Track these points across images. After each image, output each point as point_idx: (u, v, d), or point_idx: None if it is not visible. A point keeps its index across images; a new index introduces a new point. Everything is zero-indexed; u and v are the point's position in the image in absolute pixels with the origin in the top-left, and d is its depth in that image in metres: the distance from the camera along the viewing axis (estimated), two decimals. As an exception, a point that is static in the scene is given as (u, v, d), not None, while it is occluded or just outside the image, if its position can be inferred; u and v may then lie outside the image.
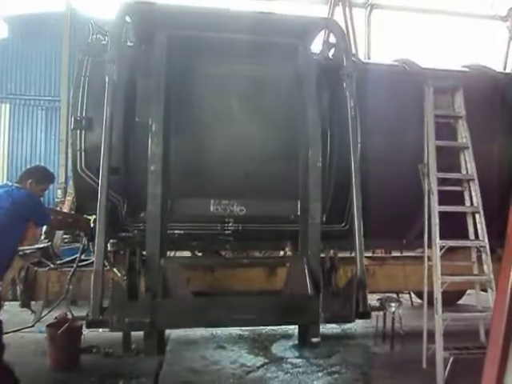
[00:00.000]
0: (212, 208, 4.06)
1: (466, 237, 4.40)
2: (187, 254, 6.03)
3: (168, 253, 4.77)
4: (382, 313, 5.01)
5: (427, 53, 12.67)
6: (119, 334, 4.56)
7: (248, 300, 3.88)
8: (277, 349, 4.80)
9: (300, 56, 4.30)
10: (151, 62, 4.04)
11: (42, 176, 3.81)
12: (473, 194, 4.38)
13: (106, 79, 3.71)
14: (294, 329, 5.26)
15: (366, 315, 3.68)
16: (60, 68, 15.19)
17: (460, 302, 6.60)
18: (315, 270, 3.90)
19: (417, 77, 4.70)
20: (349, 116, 3.93)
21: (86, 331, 4.59)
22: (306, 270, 3.87)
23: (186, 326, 3.78)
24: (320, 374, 4.10)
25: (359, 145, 3.95)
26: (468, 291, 6.25)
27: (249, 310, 3.73)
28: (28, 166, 4.17)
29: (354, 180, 3.81)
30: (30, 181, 3.61)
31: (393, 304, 4.93)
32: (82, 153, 4.08)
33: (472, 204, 4.39)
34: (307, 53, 4.35)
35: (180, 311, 3.63)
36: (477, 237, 4.34)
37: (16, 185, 3.64)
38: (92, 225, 3.96)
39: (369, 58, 13.29)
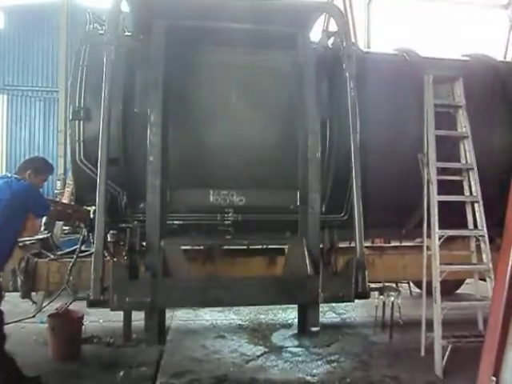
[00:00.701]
0: (211, 198, 4.06)
1: (465, 226, 4.41)
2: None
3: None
4: (380, 302, 5.05)
5: (427, 42, 12.59)
6: (120, 325, 4.60)
7: (247, 280, 3.90)
8: (276, 338, 4.84)
9: (299, 45, 4.27)
10: (149, 51, 4.01)
11: (40, 166, 3.80)
12: (472, 183, 4.38)
13: (104, 69, 3.69)
14: (293, 318, 5.30)
15: (365, 295, 3.71)
16: (58, 59, 15.08)
17: (458, 291, 6.64)
18: (314, 251, 3.92)
19: (416, 66, 4.67)
20: (348, 97, 3.91)
21: (86, 322, 4.62)
22: (306, 251, 3.89)
23: (186, 305, 3.84)
24: (319, 363, 4.14)
25: (358, 134, 3.92)
26: (467, 280, 6.28)
27: (248, 290, 3.76)
28: (27, 157, 4.16)
29: (353, 160, 3.80)
30: (28, 172, 3.61)
31: (392, 293, 4.96)
32: (81, 143, 4.07)
33: (471, 193, 4.39)
34: (306, 42, 4.32)
35: (180, 290, 3.66)
36: (476, 226, 4.35)
37: (15, 176, 3.63)
38: (92, 216, 3.96)
39: (368, 48, 13.19)
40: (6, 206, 3.35)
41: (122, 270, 3.55)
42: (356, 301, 6.55)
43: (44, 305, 4.64)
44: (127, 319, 4.51)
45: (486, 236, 4.27)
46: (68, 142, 4.31)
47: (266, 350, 4.48)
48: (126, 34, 4.48)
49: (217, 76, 4.27)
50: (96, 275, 3.43)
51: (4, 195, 3.39)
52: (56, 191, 13.00)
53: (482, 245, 4.29)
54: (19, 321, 4.40)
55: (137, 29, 4.36)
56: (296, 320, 5.01)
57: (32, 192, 3.53)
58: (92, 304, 3.48)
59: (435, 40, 13.93)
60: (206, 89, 4.23)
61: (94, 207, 3.76)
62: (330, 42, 4.76)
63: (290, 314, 5.67)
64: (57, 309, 4.58)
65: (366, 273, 3.72)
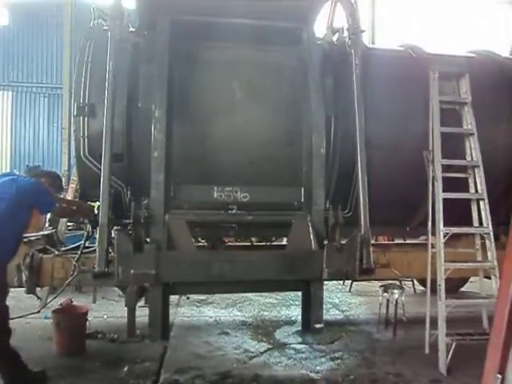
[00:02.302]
0: (215, 195, 4.06)
1: (470, 224, 4.39)
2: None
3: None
4: (384, 300, 5.03)
5: (433, 38, 12.51)
6: (124, 320, 4.62)
7: (252, 255, 3.90)
8: (280, 335, 4.83)
9: (304, 41, 4.26)
10: (154, 47, 4.01)
11: (55, 181, 3.88)
12: (477, 180, 4.36)
13: (107, 65, 3.69)
14: (297, 315, 5.29)
15: (369, 272, 3.71)
16: (62, 55, 15.09)
17: (463, 289, 6.62)
18: (319, 227, 3.92)
19: (422, 62, 4.64)
20: (355, 93, 3.88)
21: (91, 317, 4.64)
22: (310, 227, 3.88)
23: (190, 279, 3.86)
24: (323, 360, 4.13)
25: (364, 130, 3.91)
26: (471, 278, 6.26)
27: (252, 265, 3.76)
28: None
29: (359, 156, 3.79)
30: (45, 179, 3.72)
31: (395, 291, 4.95)
32: (85, 140, 4.08)
33: (476, 191, 4.37)
34: (311, 38, 4.31)
35: (185, 264, 3.68)
36: (481, 224, 4.33)
37: (23, 175, 3.70)
38: (96, 212, 3.97)
39: (373, 43, 13.13)
40: (10, 201, 3.36)
41: (127, 243, 3.56)
42: (360, 298, 6.64)
43: (48, 300, 4.66)
44: (131, 315, 4.54)
45: (491, 233, 4.24)
46: (72, 138, 4.32)
47: (270, 346, 4.47)
48: (131, 29, 4.48)
49: (221, 72, 4.26)
50: (101, 247, 3.47)
51: (9, 190, 3.40)
52: (60, 187, 13.05)
53: (487, 242, 4.27)
54: (24, 316, 4.42)
55: (141, 24, 4.36)
56: (299, 317, 5.01)
57: (37, 188, 3.55)
58: (97, 276, 3.51)
59: (441, 36, 13.84)
60: (210, 85, 4.23)
61: (98, 203, 3.77)
62: (335, 37, 4.75)
63: (294, 310, 5.67)
64: (61, 304, 4.60)
65: (371, 249, 3.72)
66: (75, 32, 13.84)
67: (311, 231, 3.87)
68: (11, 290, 3.82)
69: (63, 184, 3.97)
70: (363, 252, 3.66)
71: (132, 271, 3.49)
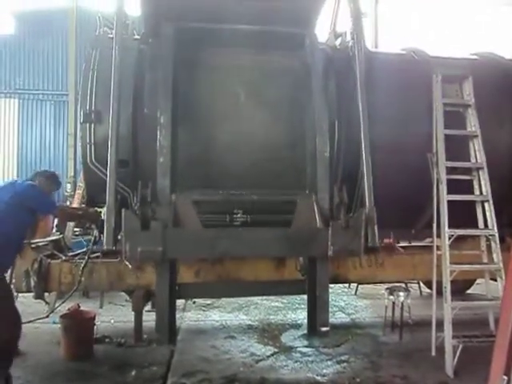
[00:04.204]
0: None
1: (475, 226, 4.39)
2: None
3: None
4: (390, 303, 5.03)
5: (436, 41, 12.51)
6: (131, 325, 4.65)
7: (257, 231, 3.94)
8: (286, 338, 4.84)
9: (307, 46, 4.29)
10: (158, 54, 4.06)
11: (49, 177, 3.89)
12: (482, 182, 4.36)
13: (113, 72, 3.75)
14: (303, 319, 5.30)
15: (374, 250, 3.73)
16: (67, 62, 15.26)
17: (469, 291, 6.59)
18: (324, 205, 3.94)
19: (425, 65, 4.66)
20: (359, 96, 3.90)
21: (98, 322, 4.67)
22: (315, 205, 3.91)
23: (196, 256, 3.93)
24: (329, 363, 4.13)
25: (368, 133, 3.94)
26: (477, 280, 6.24)
27: (258, 242, 3.79)
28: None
29: (364, 159, 3.81)
30: (40, 178, 3.72)
31: (401, 293, 4.95)
32: (92, 146, 4.13)
33: (481, 193, 4.37)
34: (314, 42, 4.35)
35: (191, 240, 3.74)
36: (486, 225, 4.32)
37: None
38: (102, 217, 4.01)
39: (376, 47, 13.15)
40: (9, 205, 3.40)
41: (134, 220, 3.62)
42: (365, 301, 6.63)
43: (56, 305, 4.70)
44: (138, 319, 4.57)
45: (497, 235, 4.24)
46: (79, 144, 4.38)
47: (276, 350, 4.48)
48: (135, 37, 4.54)
49: (225, 77, 4.30)
50: (109, 226, 3.54)
51: (8, 194, 3.45)
52: (66, 193, 13.15)
53: (493, 244, 4.26)
54: (33, 321, 4.45)
55: (146, 32, 4.42)
56: (305, 320, 5.01)
57: (34, 190, 3.58)
58: (106, 254, 3.57)
59: (444, 39, 13.84)
60: (214, 90, 4.27)
61: (105, 209, 3.82)
62: (338, 42, 4.78)
63: (300, 314, 5.68)
64: (69, 309, 4.64)
65: (376, 227, 3.74)
66: (80, 39, 14.02)
67: (316, 210, 3.89)
68: (20, 295, 3.86)
69: (60, 181, 3.97)
70: (368, 230, 3.68)
71: (139, 248, 3.55)
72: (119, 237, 3.65)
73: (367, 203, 3.78)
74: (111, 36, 4.22)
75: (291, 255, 4.09)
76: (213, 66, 4.29)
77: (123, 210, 3.63)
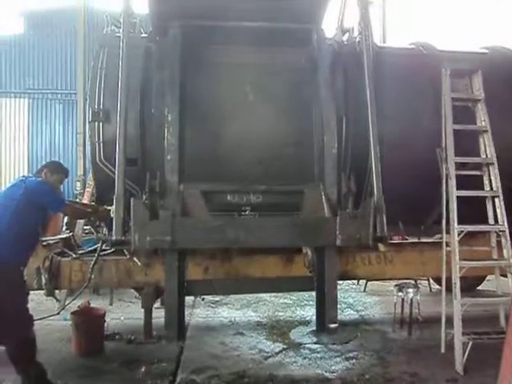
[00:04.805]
0: (229, 197, 4.10)
1: (485, 221, 4.34)
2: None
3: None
4: (399, 299, 5.01)
5: (445, 34, 12.38)
6: (140, 322, 4.69)
7: (265, 221, 3.95)
8: (295, 335, 4.84)
9: (314, 41, 4.28)
10: (166, 52, 4.07)
11: (55, 166, 3.89)
12: (492, 178, 4.31)
13: (120, 71, 3.77)
14: (311, 315, 5.30)
15: (383, 239, 3.72)
16: (76, 62, 15.35)
17: (480, 287, 6.54)
18: (332, 194, 3.95)
19: (433, 59, 4.62)
20: (367, 92, 3.88)
21: (108, 319, 4.72)
22: (323, 194, 3.91)
23: (205, 245, 3.96)
24: (338, 359, 4.13)
25: (376, 129, 3.92)
26: (488, 277, 6.19)
27: (266, 231, 3.80)
28: (48, 161, 4.25)
29: (373, 155, 3.80)
30: (44, 171, 3.72)
31: (410, 290, 4.92)
32: (101, 144, 4.16)
33: (491, 188, 4.32)
34: (321, 38, 4.33)
35: (199, 229, 3.76)
36: (496, 221, 4.28)
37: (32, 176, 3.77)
38: (111, 215, 4.04)
39: (384, 42, 13.06)
40: (20, 201, 3.43)
41: (143, 210, 3.65)
42: (374, 298, 6.61)
43: (67, 302, 4.76)
44: (148, 316, 4.61)
45: (507, 231, 4.19)
46: (88, 143, 4.41)
47: (285, 346, 4.49)
48: (143, 35, 4.55)
49: (232, 75, 4.30)
50: (118, 216, 3.58)
51: (19, 191, 3.48)
52: (76, 192, 13.25)
53: (503, 240, 4.22)
54: (44, 318, 4.51)
55: (153, 30, 4.43)
56: (314, 317, 5.01)
57: (43, 187, 3.59)
58: (115, 244, 3.60)
59: (453, 32, 13.69)
60: (222, 88, 4.27)
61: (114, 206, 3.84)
62: (345, 37, 4.75)
63: (308, 311, 5.68)
64: (79, 306, 4.69)
65: (384, 216, 3.73)
66: (88, 39, 14.07)
67: (324, 199, 3.88)
68: (31, 292, 3.90)
69: (66, 168, 3.97)
70: (377, 220, 3.67)
71: (148, 238, 3.58)
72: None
73: (375, 192, 3.77)
74: (119, 35, 4.24)
75: (299, 245, 4.09)
76: (220, 63, 4.30)
77: (132, 200, 3.66)
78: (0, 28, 16.31)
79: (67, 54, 16.53)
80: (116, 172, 3.67)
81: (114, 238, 3.58)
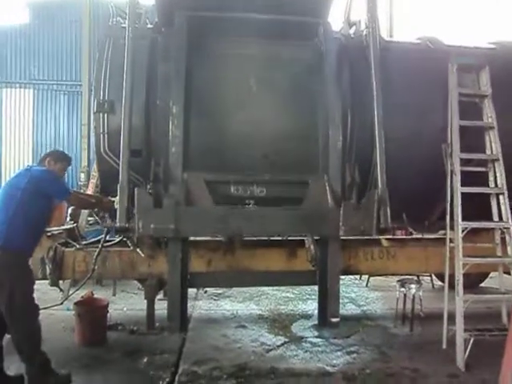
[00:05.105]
0: (232, 189, 4.09)
1: (488, 219, 4.33)
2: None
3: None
4: (401, 295, 5.01)
5: (453, 29, 12.27)
6: (143, 313, 4.72)
7: (269, 211, 3.95)
8: (296, 328, 4.86)
9: (320, 34, 4.25)
10: (171, 43, 4.06)
11: (58, 155, 3.90)
12: (497, 174, 4.29)
13: (125, 61, 3.76)
14: (313, 309, 5.32)
15: (386, 231, 3.72)
16: (81, 52, 15.33)
17: (482, 284, 6.53)
18: (336, 186, 3.94)
19: (440, 54, 4.58)
20: (373, 86, 3.86)
21: (111, 310, 4.75)
22: (327, 185, 3.91)
23: (208, 234, 4.01)
24: (339, 354, 4.14)
25: (382, 124, 3.90)
26: (491, 274, 6.18)
27: (269, 220, 3.81)
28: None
29: (378, 149, 3.79)
30: (48, 159, 3.72)
31: (413, 286, 4.92)
32: (105, 135, 4.16)
33: (496, 185, 4.30)
34: (328, 31, 4.30)
35: (203, 218, 3.79)
36: (501, 218, 4.26)
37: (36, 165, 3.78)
38: (116, 206, 4.05)
39: (391, 36, 12.95)
40: (25, 190, 3.43)
41: (147, 198, 3.67)
42: (376, 293, 6.62)
43: (70, 293, 4.79)
44: (150, 307, 4.63)
45: (511, 228, 4.18)
46: (92, 134, 4.41)
47: (287, 339, 4.51)
48: (149, 26, 4.53)
49: (237, 67, 4.29)
50: (122, 204, 3.61)
51: (24, 180, 3.49)
52: (80, 183, 13.29)
53: (507, 237, 4.20)
54: (48, 308, 4.54)
55: (159, 21, 4.41)
56: (316, 311, 5.03)
57: (48, 175, 3.60)
58: (119, 231, 3.61)
59: (461, 27, 13.55)
60: (227, 80, 4.26)
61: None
62: (352, 31, 4.72)
63: (310, 304, 5.70)
64: (82, 297, 4.72)
65: (388, 208, 3.73)
66: (94, 29, 14.04)
67: (328, 190, 3.88)
68: (36, 282, 3.92)
69: (69, 156, 3.96)
70: (380, 211, 3.67)
71: (152, 225, 3.61)
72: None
73: (379, 184, 3.76)
74: (124, 25, 4.23)
75: (302, 234, 4.09)
76: (226, 55, 4.28)
77: (136, 189, 3.68)
78: (5, 18, 16.29)
79: (72, 45, 16.50)
80: (120, 160, 3.68)
81: (117, 224, 3.59)
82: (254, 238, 5.37)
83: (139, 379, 3.58)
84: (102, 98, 4.15)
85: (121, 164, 3.69)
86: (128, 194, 3.63)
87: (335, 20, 4.67)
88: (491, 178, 4.34)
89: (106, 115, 4.14)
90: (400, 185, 4.13)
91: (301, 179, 4.08)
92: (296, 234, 4.07)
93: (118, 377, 3.65)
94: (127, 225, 3.61)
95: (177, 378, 3.58)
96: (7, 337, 3.47)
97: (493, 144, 4.34)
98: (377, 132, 3.87)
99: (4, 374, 3.45)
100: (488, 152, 4.37)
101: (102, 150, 4.18)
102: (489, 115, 4.38)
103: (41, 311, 3.69)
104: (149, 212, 3.62)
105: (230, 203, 4.10)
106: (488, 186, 4.35)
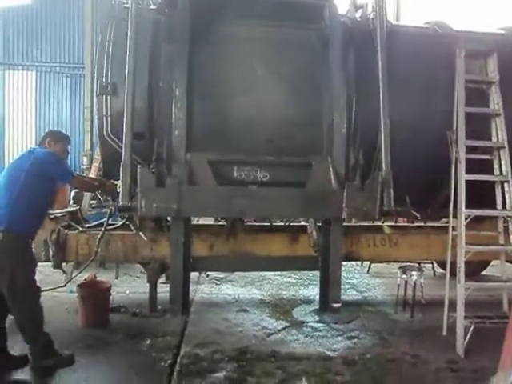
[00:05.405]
0: (235, 174, 4.08)
1: (492, 206, 4.31)
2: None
3: (192, 219, 4.88)
4: (403, 281, 5.03)
5: (462, 13, 12.05)
6: (145, 296, 4.76)
7: (273, 191, 3.95)
8: (298, 313, 4.89)
9: (326, 18, 4.18)
10: (174, 25, 4.00)
11: (56, 134, 3.88)
12: (502, 162, 4.25)
13: (128, 43, 3.72)
14: (315, 294, 5.34)
15: (390, 213, 3.73)
16: (83, 34, 15.18)
17: (484, 272, 6.54)
18: (339, 167, 3.94)
19: (448, 39, 4.50)
20: (380, 71, 3.82)
21: (114, 292, 4.79)
22: (331, 167, 3.90)
23: (211, 214, 4.01)
24: (340, 338, 4.17)
25: (388, 109, 3.86)
26: (493, 262, 6.18)
27: (272, 201, 3.81)
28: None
29: (383, 133, 3.78)
30: (48, 140, 3.69)
31: (414, 272, 4.93)
32: (108, 118, 4.13)
33: (501, 173, 4.27)
34: (333, 14, 4.23)
35: (206, 198, 3.78)
36: (504, 206, 4.24)
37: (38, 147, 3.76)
38: (118, 190, 4.04)
39: (398, 20, 12.75)
40: (29, 173, 3.42)
41: (150, 177, 3.67)
42: (378, 279, 6.64)
43: (73, 275, 4.82)
44: (153, 290, 4.67)
45: (516, 216, 4.16)
46: (95, 116, 4.39)
47: (288, 324, 4.54)
48: (152, 7, 4.47)
49: (241, 49, 4.23)
50: (124, 182, 3.61)
51: (27, 162, 3.48)
52: (83, 167, 13.30)
53: (510, 226, 4.19)
54: (51, 289, 4.58)
55: (162, 2, 4.34)
56: (317, 296, 5.05)
57: (51, 157, 3.57)
58: (121, 209, 3.62)
59: (470, 12, 13.31)
60: (230, 62, 4.21)
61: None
62: (358, 14, 4.64)
63: (312, 290, 5.72)
64: (86, 279, 4.76)
65: (392, 190, 3.72)
66: (96, 11, 13.88)
67: (331, 171, 3.86)
68: (39, 264, 3.95)
69: (67, 134, 3.96)
70: (384, 194, 3.66)
71: (154, 205, 3.61)
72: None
73: (383, 166, 3.74)
74: (127, 6, 4.16)
75: (305, 216, 4.08)
76: (229, 37, 4.22)
77: (138, 167, 3.67)
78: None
79: (75, 27, 16.35)
80: (123, 139, 3.65)
81: (120, 203, 3.59)
82: (257, 224, 5.38)
83: (142, 360, 3.61)
84: (104, 80, 4.11)
85: (124, 141, 3.65)
86: (131, 173, 3.61)
87: (341, 3, 4.59)
88: (496, 166, 4.31)
89: (108, 98, 4.11)
90: (403, 171, 4.10)
91: (304, 161, 4.04)
92: (299, 215, 4.05)
93: (121, 358, 3.69)
94: (130, 204, 3.60)
95: (179, 360, 3.61)
96: (10, 317, 3.51)
97: (499, 131, 4.29)
98: (382, 114, 3.83)
99: (8, 353, 3.50)
100: (494, 139, 4.33)
101: (104, 132, 4.16)
102: (495, 102, 4.32)
103: (44, 293, 3.72)
104: (151, 191, 3.62)
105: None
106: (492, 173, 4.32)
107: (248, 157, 4.04)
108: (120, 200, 3.60)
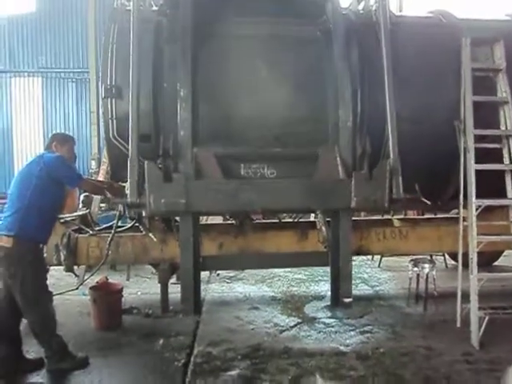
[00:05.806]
0: (243, 172, 4.08)
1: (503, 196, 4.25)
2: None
3: (200, 218, 4.89)
4: (414, 274, 4.99)
5: (464, 3, 11.90)
6: (157, 297, 4.78)
7: (279, 183, 3.93)
8: (309, 309, 4.88)
9: (328, 11, 4.16)
10: (177, 25, 4.01)
11: (62, 136, 3.92)
12: (512, 150, 4.20)
13: (131, 46, 3.73)
14: (326, 290, 5.33)
15: (399, 201, 3.69)
16: (87, 40, 15.25)
17: (496, 263, 6.47)
18: (347, 157, 3.91)
19: (453, 28, 4.45)
20: (384, 62, 3.79)
21: (125, 294, 4.81)
22: (338, 157, 3.88)
23: (219, 208, 4.00)
24: (352, 333, 4.15)
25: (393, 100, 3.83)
26: (505, 252, 6.11)
27: (279, 193, 3.79)
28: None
29: (390, 126, 3.75)
30: (54, 143, 3.72)
31: (426, 265, 4.89)
32: (114, 121, 4.15)
33: (511, 162, 4.21)
34: (336, 8, 4.20)
35: (213, 192, 3.78)
36: (515, 196, 4.18)
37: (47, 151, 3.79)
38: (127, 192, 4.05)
39: (401, 11, 12.64)
40: (38, 178, 3.45)
41: (157, 173, 3.68)
42: (389, 273, 6.60)
43: (85, 278, 4.86)
44: (164, 291, 4.69)
45: (527, 206, 4.10)
46: (101, 120, 4.41)
47: (300, 320, 4.53)
48: (153, 8, 4.48)
49: (244, 47, 4.22)
50: (132, 179, 3.62)
51: (37, 167, 3.51)
52: (91, 170, 13.38)
53: (521, 215, 4.14)
54: (63, 293, 4.62)
55: (164, 3, 4.35)
56: (328, 292, 5.03)
57: (59, 161, 3.59)
58: (130, 206, 3.65)
59: (473, 1, 13.13)
60: (234, 61, 4.20)
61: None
62: (361, 6, 4.61)
63: (323, 286, 5.70)
64: (97, 282, 4.79)
65: (400, 179, 3.69)
66: (99, 15, 13.93)
67: (339, 161, 3.85)
68: (51, 268, 3.99)
69: (71, 135, 4.02)
70: (393, 182, 3.63)
71: (163, 200, 3.61)
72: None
73: (391, 154, 3.70)
74: (129, 9, 4.17)
75: (314, 207, 4.05)
76: (232, 35, 4.21)
77: (146, 162, 3.68)
78: (12, 7, 16.23)
79: (79, 32, 16.42)
80: (130, 135, 3.65)
81: (128, 200, 3.60)
82: (265, 221, 5.38)
83: (155, 361, 3.63)
84: (109, 83, 4.13)
85: (130, 137, 3.66)
86: (138, 170, 3.62)
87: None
88: (506, 155, 4.25)
89: (113, 100, 4.13)
90: (412, 164, 4.06)
91: (311, 152, 4.02)
92: (307, 206, 4.02)
93: (135, 359, 3.72)
94: (138, 200, 3.61)
95: (192, 359, 3.62)
96: (24, 321, 3.54)
97: (507, 120, 4.24)
98: (388, 103, 3.80)
99: (24, 357, 3.53)
100: (502, 128, 4.27)
101: (111, 135, 4.18)
102: (503, 90, 4.26)
103: (57, 297, 3.76)
104: (159, 186, 3.62)
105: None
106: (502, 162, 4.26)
107: (255, 149, 4.03)
108: (128, 197, 3.60)
